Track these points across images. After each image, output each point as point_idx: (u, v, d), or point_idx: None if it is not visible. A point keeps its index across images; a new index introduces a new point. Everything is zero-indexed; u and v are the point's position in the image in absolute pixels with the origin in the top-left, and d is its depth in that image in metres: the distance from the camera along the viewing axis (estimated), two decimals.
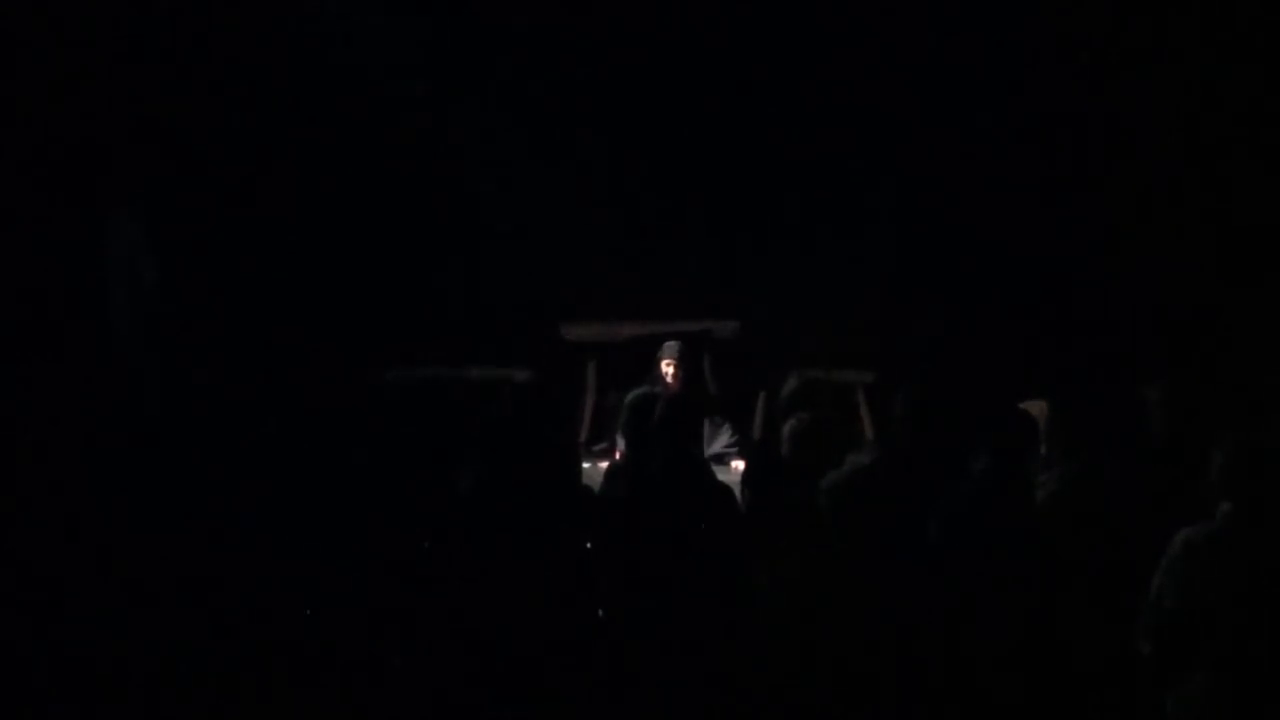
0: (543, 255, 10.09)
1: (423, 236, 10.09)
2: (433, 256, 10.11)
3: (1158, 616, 4.51)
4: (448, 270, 10.10)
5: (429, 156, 9.99)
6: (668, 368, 8.63)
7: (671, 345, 8.72)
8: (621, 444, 7.00)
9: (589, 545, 5.19)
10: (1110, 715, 4.72)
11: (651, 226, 10.09)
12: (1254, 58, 9.19)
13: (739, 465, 8.40)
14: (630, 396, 6.36)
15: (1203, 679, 4.40)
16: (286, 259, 9.57)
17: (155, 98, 8.71)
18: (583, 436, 9.62)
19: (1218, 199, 9.35)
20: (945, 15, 9.60)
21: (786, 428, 5.59)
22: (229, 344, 8.88)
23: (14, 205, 7.79)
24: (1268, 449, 4.55)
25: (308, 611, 4.97)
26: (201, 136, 9.07)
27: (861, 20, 9.69)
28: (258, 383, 7.83)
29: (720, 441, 9.06)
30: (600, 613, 5.10)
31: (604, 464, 7.67)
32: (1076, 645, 4.74)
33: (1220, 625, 4.40)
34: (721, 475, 5.91)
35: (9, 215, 7.77)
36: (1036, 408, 5.58)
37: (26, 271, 7.82)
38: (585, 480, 5.89)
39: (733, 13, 9.81)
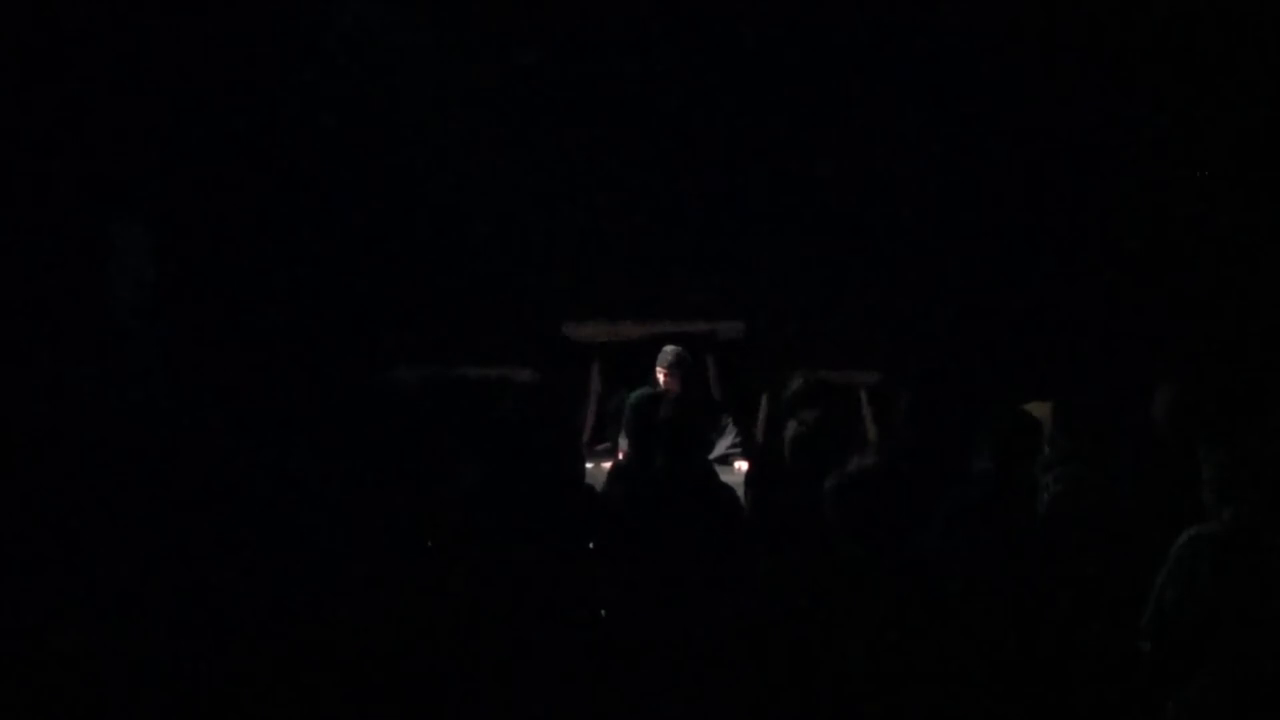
0: (546, 255, 10.09)
1: (425, 236, 10.08)
2: (435, 256, 10.10)
3: (1160, 617, 4.50)
4: (450, 270, 10.09)
5: (430, 156, 9.99)
6: (661, 376, 8.49)
7: (665, 354, 8.46)
8: (625, 444, 6.99)
9: (592, 546, 5.19)
10: (1112, 716, 4.71)
11: (656, 226, 10.09)
12: (1255, 58, 9.18)
13: (742, 466, 8.39)
14: (633, 397, 6.35)
15: (1205, 680, 4.38)
16: (287, 259, 9.57)
17: (156, 99, 8.71)
18: (586, 437, 9.61)
19: (1219, 199, 9.34)
20: (947, 16, 9.59)
21: (788, 430, 5.58)
22: (230, 344, 8.87)
23: (16, 205, 7.78)
24: (1265, 451, 4.54)
25: (310, 610, 4.96)
26: (202, 137, 9.08)
27: (864, 21, 9.69)
28: (259, 382, 7.82)
29: (724, 443, 9.04)
30: (602, 613, 5.10)
31: (607, 464, 7.66)
32: (1078, 646, 4.73)
33: (1222, 626, 4.38)
34: (725, 476, 5.90)
35: (11, 216, 7.76)
36: (1040, 409, 5.57)
37: (28, 271, 7.82)
38: (588, 481, 5.89)
39: (734, 13, 9.81)
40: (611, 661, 4.91)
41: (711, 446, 8.67)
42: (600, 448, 9.33)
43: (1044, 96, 9.59)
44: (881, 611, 4.69)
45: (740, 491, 5.69)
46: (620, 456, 7.91)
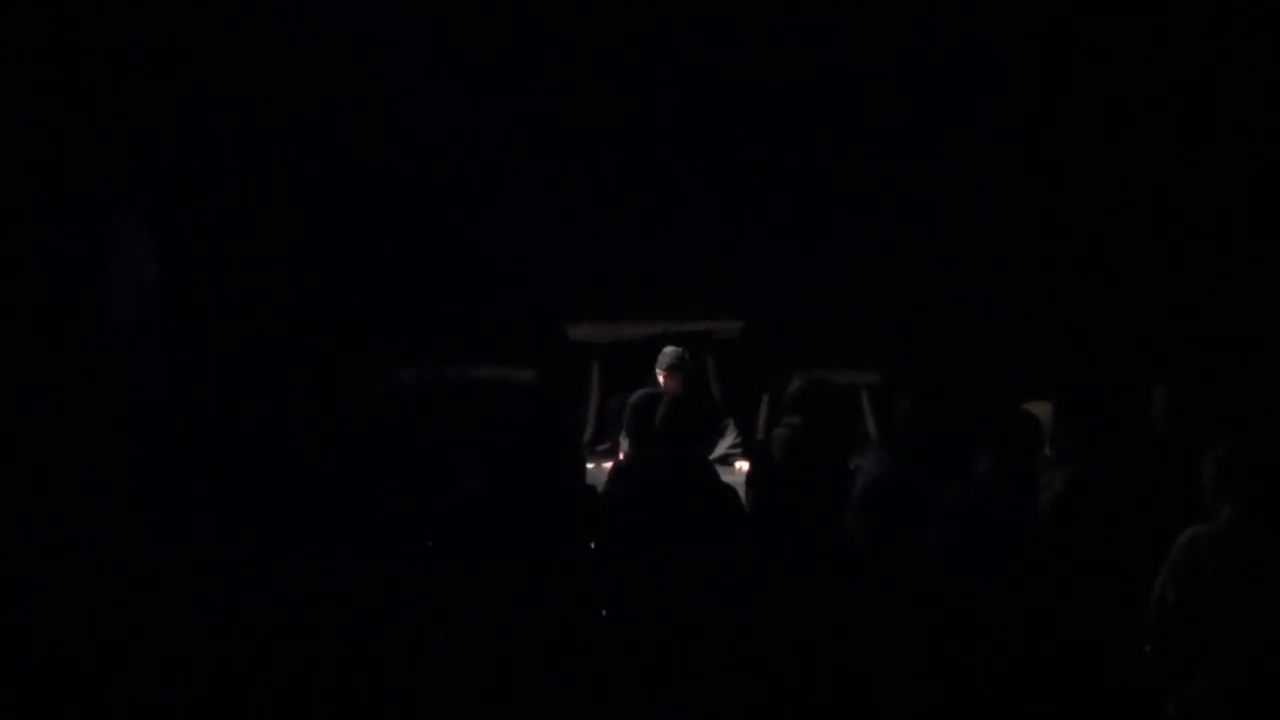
0: (547, 255, 10.10)
1: (426, 236, 10.09)
2: (436, 256, 10.11)
3: (1160, 617, 4.50)
4: (452, 270, 10.10)
5: (433, 156, 9.99)
6: (661, 377, 8.38)
7: (665, 355, 8.30)
8: (625, 444, 6.99)
9: (592, 546, 5.19)
10: (1113, 715, 4.71)
11: (656, 226, 10.09)
12: (1254, 58, 9.18)
13: (743, 466, 8.39)
14: (634, 397, 6.35)
15: (1205, 679, 4.39)
16: (289, 259, 9.58)
17: (157, 97, 8.71)
18: (587, 436, 9.62)
19: (1219, 199, 9.35)
20: (950, 20, 9.59)
21: (775, 435, 5.58)
22: (230, 344, 8.88)
23: (16, 204, 7.78)
24: (1265, 450, 4.55)
25: (311, 610, 4.96)
26: (203, 136, 9.08)
27: (865, 23, 9.69)
28: (259, 382, 7.83)
29: (724, 443, 9.04)
30: (603, 613, 5.09)
31: (608, 464, 7.66)
32: (1079, 646, 4.73)
33: (1223, 625, 4.38)
34: (726, 476, 5.90)
35: (11, 214, 7.76)
36: (1040, 408, 5.57)
37: (28, 271, 7.82)
38: (589, 480, 5.89)
39: (736, 13, 9.81)
40: (612, 661, 4.90)
41: (712, 446, 8.67)
42: (601, 448, 9.34)
43: (1043, 96, 9.60)
44: (882, 610, 4.70)
45: (741, 491, 5.68)
46: (621, 456, 7.91)
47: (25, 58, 7.86)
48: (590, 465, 7.68)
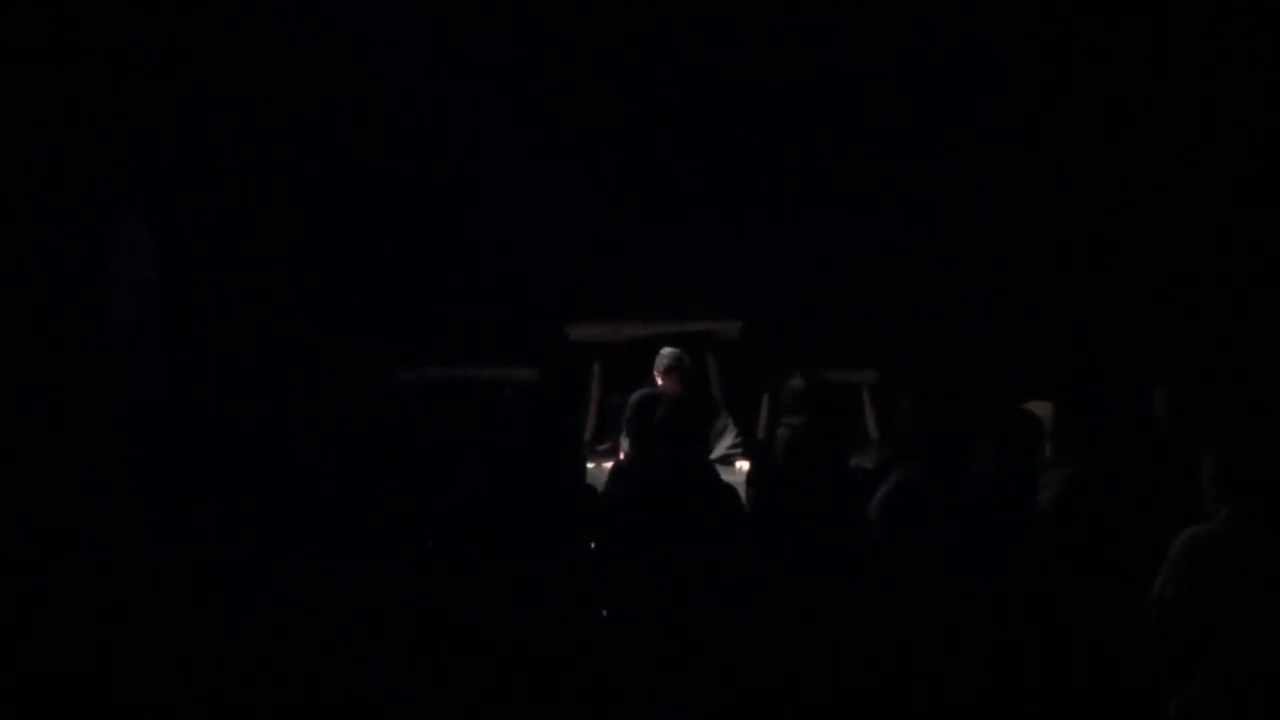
0: (547, 255, 10.10)
1: (427, 236, 10.09)
2: (436, 256, 10.11)
3: (1160, 616, 4.50)
4: (452, 270, 10.10)
5: (433, 155, 9.99)
6: (659, 379, 8.33)
7: (662, 357, 8.26)
8: (626, 444, 6.99)
9: (593, 546, 5.18)
10: (1113, 716, 4.71)
11: (656, 226, 10.09)
12: (1255, 58, 9.18)
13: (743, 466, 8.39)
14: (634, 396, 6.35)
15: (1205, 679, 4.38)
16: (289, 259, 9.57)
17: (158, 96, 8.71)
18: (587, 436, 9.62)
19: (1219, 199, 9.35)
20: (950, 20, 9.60)
21: (777, 435, 5.58)
22: (230, 344, 8.87)
23: (15, 203, 7.77)
24: (1265, 450, 4.55)
25: (310, 609, 4.96)
26: (203, 136, 9.08)
27: (865, 23, 9.70)
28: (259, 383, 7.82)
29: (725, 443, 9.04)
30: (604, 613, 5.09)
31: (608, 464, 7.66)
32: (1079, 645, 4.73)
33: (1222, 625, 4.38)
34: (726, 476, 5.90)
35: (11, 214, 7.75)
36: (1041, 408, 5.57)
37: (28, 271, 7.81)
38: (589, 480, 5.89)
39: (736, 13, 9.82)
40: (612, 661, 4.90)
41: (712, 446, 8.66)
42: (601, 448, 9.34)
43: (1043, 96, 9.60)
44: (882, 609, 4.70)
45: (741, 491, 5.68)
46: (621, 456, 7.91)
47: (25, 58, 7.85)
48: (590, 465, 7.68)
